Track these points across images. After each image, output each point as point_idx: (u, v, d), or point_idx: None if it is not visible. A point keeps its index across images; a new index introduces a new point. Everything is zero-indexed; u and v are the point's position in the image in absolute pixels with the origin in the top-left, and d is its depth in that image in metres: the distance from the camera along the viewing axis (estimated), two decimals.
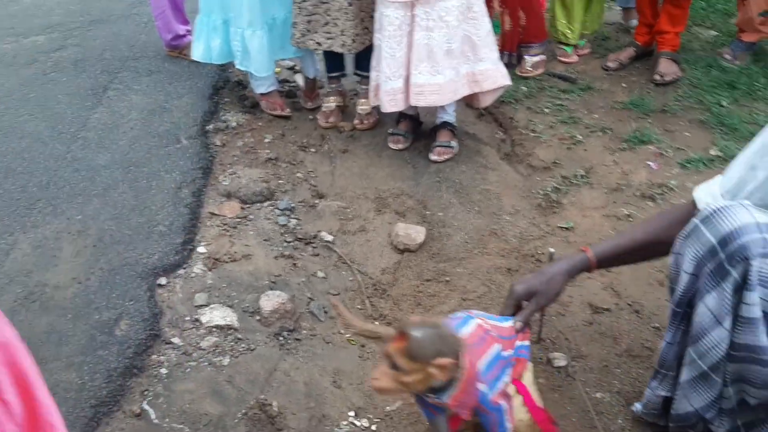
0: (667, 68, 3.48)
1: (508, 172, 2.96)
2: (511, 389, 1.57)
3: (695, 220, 1.43)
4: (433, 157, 3.01)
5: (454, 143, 3.05)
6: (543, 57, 3.67)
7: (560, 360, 2.01)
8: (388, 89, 2.89)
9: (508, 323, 1.63)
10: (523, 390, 1.60)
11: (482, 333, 1.52)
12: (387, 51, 2.84)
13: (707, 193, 1.57)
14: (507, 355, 1.56)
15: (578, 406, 1.87)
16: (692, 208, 1.55)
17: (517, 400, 1.58)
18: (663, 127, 3.12)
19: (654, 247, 1.65)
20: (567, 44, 3.76)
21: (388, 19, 2.79)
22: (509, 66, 3.58)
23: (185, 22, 3.93)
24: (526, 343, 1.65)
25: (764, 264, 1.34)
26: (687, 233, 1.45)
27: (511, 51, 3.69)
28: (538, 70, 3.64)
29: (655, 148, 2.97)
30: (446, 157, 3.01)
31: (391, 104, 2.92)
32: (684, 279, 1.47)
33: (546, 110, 3.31)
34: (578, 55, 3.81)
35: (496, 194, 2.80)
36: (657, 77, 3.46)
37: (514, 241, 2.53)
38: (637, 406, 1.78)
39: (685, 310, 1.52)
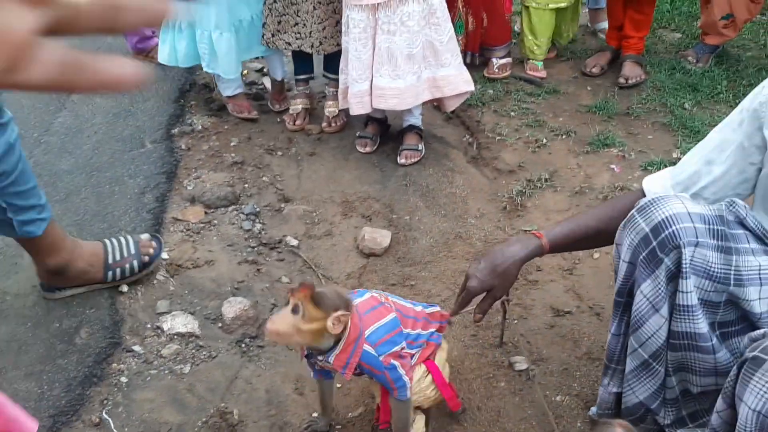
0: (631, 71, 3.52)
1: (475, 175, 2.98)
2: (421, 370, 1.69)
3: (632, 211, 1.47)
4: (400, 160, 3.02)
5: (421, 146, 3.06)
6: (509, 60, 3.69)
7: (521, 363, 2.03)
8: (354, 92, 2.90)
9: (420, 307, 1.74)
10: (433, 368, 1.71)
11: (375, 303, 1.63)
12: (353, 53, 2.85)
13: (657, 185, 1.63)
14: (412, 333, 1.66)
15: (538, 410, 1.89)
16: (641, 198, 1.56)
17: (428, 379, 1.71)
18: (626, 130, 3.16)
19: (603, 235, 1.66)
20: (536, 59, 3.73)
21: (354, 22, 2.80)
22: (472, 66, 3.61)
23: None
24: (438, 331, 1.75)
25: (696, 252, 1.36)
26: (624, 223, 1.50)
27: (474, 51, 3.70)
28: (505, 72, 3.67)
29: (618, 151, 3.01)
30: (413, 160, 3.02)
31: (358, 107, 2.93)
32: (623, 268, 1.50)
33: (512, 113, 3.34)
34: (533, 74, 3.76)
35: (462, 198, 2.82)
36: (621, 80, 3.50)
37: (479, 245, 2.54)
38: (593, 410, 1.80)
39: (626, 299, 1.55)
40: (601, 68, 3.62)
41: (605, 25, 4.01)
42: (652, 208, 1.42)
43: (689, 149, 2.92)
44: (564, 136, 3.13)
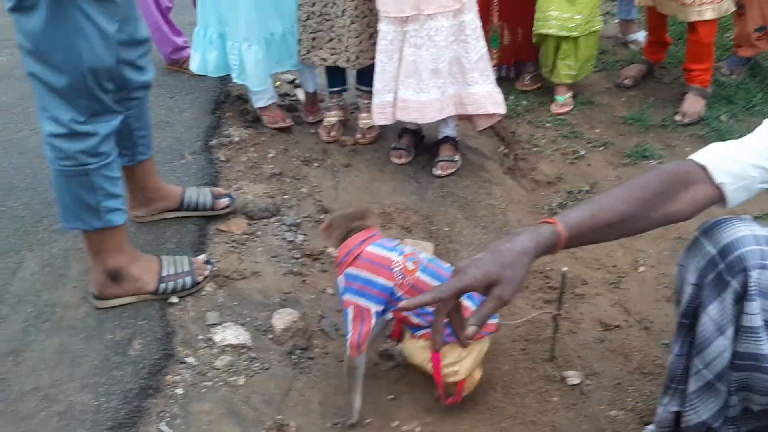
0: (691, 107, 3.32)
1: (512, 186, 2.98)
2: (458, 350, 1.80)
3: (696, 234, 1.48)
4: (436, 171, 3.02)
5: (456, 157, 3.07)
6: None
7: (573, 378, 2.02)
8: (377, 102, 2.93)
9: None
10: (435, 358, 1.81)
11: (387, 264, 1.79)
12: (379, 65, 2.87)
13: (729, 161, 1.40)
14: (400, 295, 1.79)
15: (593, 425, 1.88)
16: (685, 175, 1.40)
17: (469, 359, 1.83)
18: (664, 142, 3.16)
19: (632, 222, 1.36)
20: (559, 94, 3.54)
21: (382, 34, 2.84)
22: (507, 80, 3.62)
23: (179, 32, 3.92)
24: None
25: (762, 275, 1.37)
26: (689, 245, 1.50)
27: (509, 65, 3.72)
28: (537, 85, 3.67)
29: (656, 163, 3.00)
30: (450, 171, 3.03)
31: (380, 117, 2.96)
32: (688, 290, 1.51)
33: (547, 124, 3.34)
34: (558, 113, 3.51)
35: (501, 209, 2.82)
36: (678, 117, 3.33)
37: None
38: (650, 428, 1.80)
39: (690, 321, 1.55)
40: (635, 80, 3.61)
41: (636, 36, 4.02)
42: (718, 232, 1.43)
43: None
44: (602, 148, 3.13)
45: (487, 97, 2.88)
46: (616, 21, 4.25)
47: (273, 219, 2.72)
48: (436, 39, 2.76)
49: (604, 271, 2.45)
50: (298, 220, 2.73)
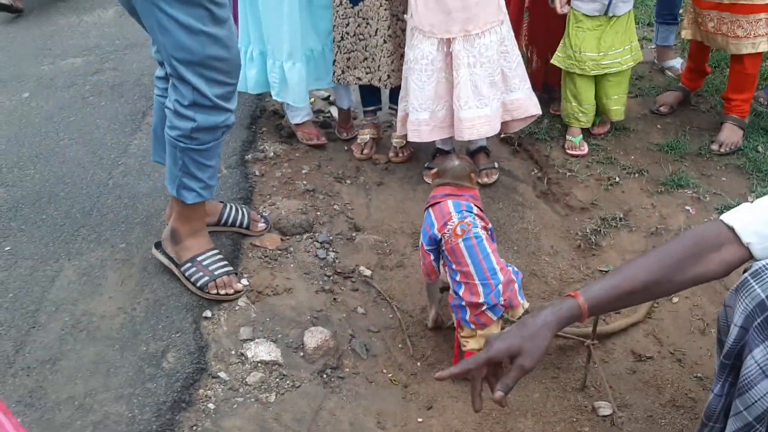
0: (728, 137, 3.25)
1: (546, 211, 2.97)
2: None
3: (746, 275, 1.46)
4: (483, 180, 3.06)
5: (496, 163, 3.19)
6: None
7: (605, 409, 2.01)
8: (413, 119, 2.96)
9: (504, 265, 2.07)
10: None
11: (446, 215, 2.08)
12: (416, 83, 2.90)
13: (757, 221, 1.47)
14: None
15: None
16: (715, 237, 1.47)
17: None
18: (699, 171, 3.13)
19: (657, 288, 1.48)
20: (574, 136, 3.35)
21: (422, 53, 2.85)
22: None
23: None
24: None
25: None
26: (737, 286, 1.48)
27: (538, 89, 3.68)
28: None
29: (692, 192, 2.98)
30: (494, 177, 3.13)
31: (414, 134, 3.00)
32: (734, 332, 1.49)
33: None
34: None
35: (535, 234, 2.82)
36: (715, 147, 3.25)
37: (554, 283, 2.54)
38: None
39: (733, 362, 1.54)
40: (671, 107, 3.58)
41: (673, 63, 3.99)
42: None
43: (764, 193, 2.92)
44: (636, 175, 3.11)
45: (528, 100, 3.00)
46: (653, 47, 4.22)
47: (305, 236, 2.74)
48: (488, 54, 2.83)
49: None
50: (330, 238, 2.75)
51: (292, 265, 2.56)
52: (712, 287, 2.43)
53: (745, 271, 1.47)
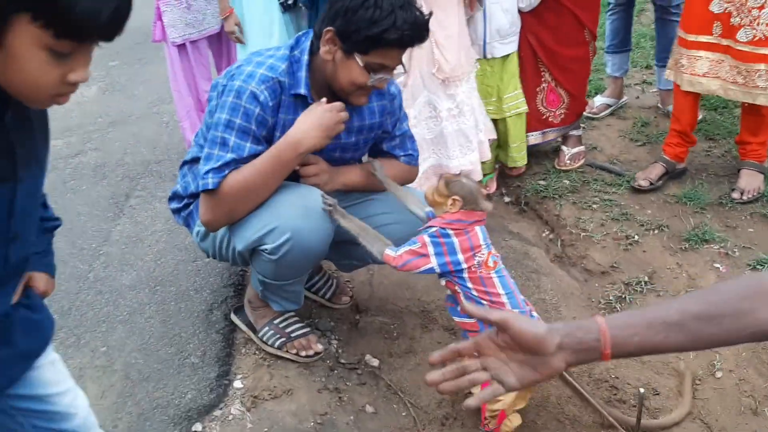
0: (749, 183, 3.05)
1: (562, 277, 2.75)
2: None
3: None
4: None
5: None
6: (581, 148, 3.50)
7: None
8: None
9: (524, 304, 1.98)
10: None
11: (474, 242, 1.89)
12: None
13: None
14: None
15: None
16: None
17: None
18: (723, 222, 2.91)
19: (700, 326, 1.04)
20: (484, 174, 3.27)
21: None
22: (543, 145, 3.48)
23: None
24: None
25: None
26: None
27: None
28: (578, 162, 3.47)
29: (719, 247, 2.75)
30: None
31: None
32: None
33: (594, 206, 3.12)
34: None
35: (554, 304, 2.58)
36: (736, 195, 3.05)
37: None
38: None
39: None
40: (650, 183, 3.17)
41: None
42: None
43: None
44: (656, 231, 2.89)
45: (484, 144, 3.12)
46: (655, 90, 4.06)
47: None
48: (471, 103, 2.96)
49: (675, 379, 2.18)
50: (332, 323, 2.51)
51: (290, 361, 2.31)
52: (759, 357, 2.19)
53: None
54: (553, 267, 2.81)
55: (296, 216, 1.93)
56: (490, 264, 1.90)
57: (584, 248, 2.86)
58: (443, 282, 1.99)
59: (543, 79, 3.31)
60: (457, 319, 2.02)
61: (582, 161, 3.47)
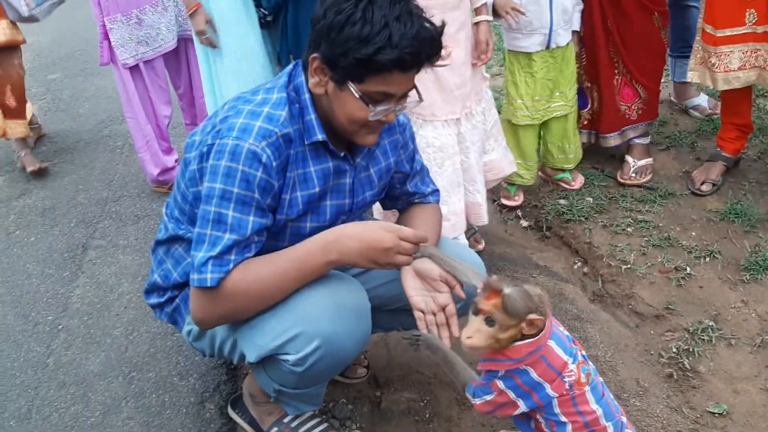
0: None
1: (609, 323, 2.36)
2: None
3: None
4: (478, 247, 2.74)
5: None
6: (650, 160, 3.06)
7: None
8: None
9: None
10: None
11: (559, 365, 1.44)
12: None
13: None
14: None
15: None
16: None
17: None
18: None
19: None
20: (512, 183, 3.01)
21: (426, 141, 2.41)
22: (588, 147, 3.09)
23: (171, 150, 3.32)
24: None
25: None
26: None
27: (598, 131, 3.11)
28: (644, 178, 3.02)
29: None
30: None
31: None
32: None
33: (628, 229, 2.74)
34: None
35: (608, 362, 2.19)
36: None
37: None
38: None
39: None
40: (713, 185, 2.89)
41: (698, 101, 3.47)
42: None
43: None
44: (707, 259, 2.53)
45: (503, 160, 2.67)
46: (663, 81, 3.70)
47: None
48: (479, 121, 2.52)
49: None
50: (350, 406, 2.09)
51: None
52: None
53: None
54: (595, 310, 2.43)
55: (325, 318, 1.49)
56: (583, 380, 1.47)
57: (628, 285, 2.48)
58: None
59: (617, 70, 2.93)
60: None
61: (649, 176, 3.03)
